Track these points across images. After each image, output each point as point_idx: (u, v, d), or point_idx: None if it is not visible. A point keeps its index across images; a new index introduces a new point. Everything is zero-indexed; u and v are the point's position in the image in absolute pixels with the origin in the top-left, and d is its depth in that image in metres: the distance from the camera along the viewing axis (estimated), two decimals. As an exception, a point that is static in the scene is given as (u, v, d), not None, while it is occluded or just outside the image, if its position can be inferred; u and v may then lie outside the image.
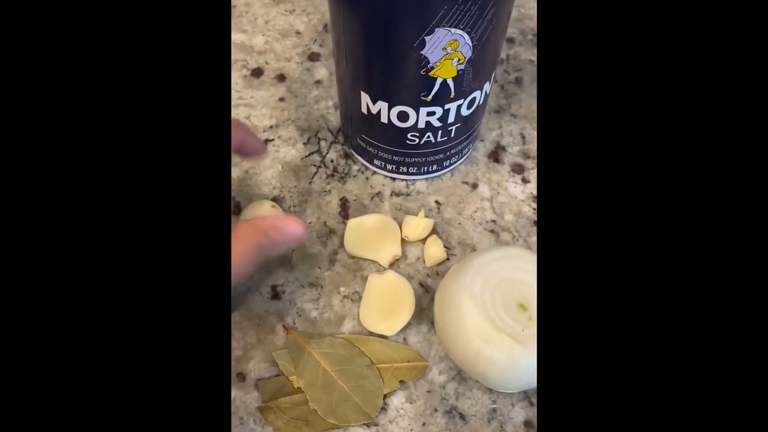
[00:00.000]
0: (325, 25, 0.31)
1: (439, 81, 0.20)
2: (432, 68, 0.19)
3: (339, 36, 0.20)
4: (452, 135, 0.23)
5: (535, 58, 0.30)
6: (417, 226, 0.24)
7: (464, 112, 0.22)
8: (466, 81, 0.20)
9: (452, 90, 0.20)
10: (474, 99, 0.22)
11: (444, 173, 0.26)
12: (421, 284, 0.23)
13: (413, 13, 0.17)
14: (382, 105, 0.21)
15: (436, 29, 0.17)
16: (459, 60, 0.19)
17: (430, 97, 0.20)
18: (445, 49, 0.18)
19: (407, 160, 0.24)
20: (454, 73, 0.19)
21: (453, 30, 0.18)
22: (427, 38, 0.18)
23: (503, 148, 0.27)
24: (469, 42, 0.18)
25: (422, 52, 0.18)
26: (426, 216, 0.25)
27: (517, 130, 0.28)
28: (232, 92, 0.29)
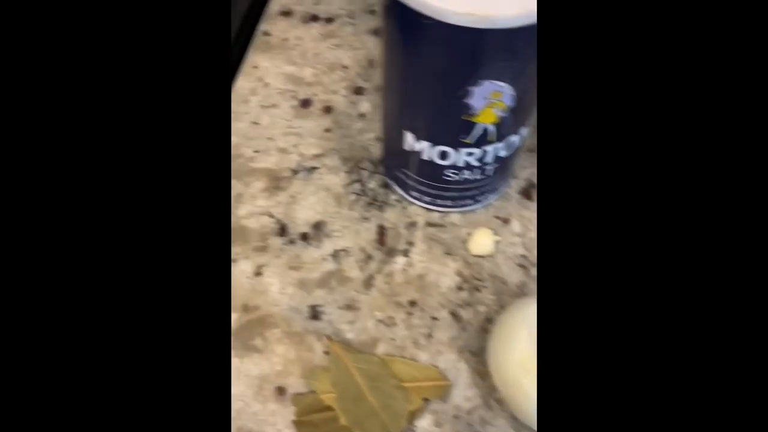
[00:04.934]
0: (371, 61, 0.33)
1: (480, 126, 0.21)
2: (474, 114, 0.21)
3: (389, 78, 0.22)
4: (489, 174, 0.25)
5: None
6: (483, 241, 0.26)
7: (502, 153, 0.23)
8: (506, 126, 0.22)
9: (492, 134, 0.22)
10: (513, 142, 0.23)
11: (478, 207, 0.27)
12: (451, 313, 0.25)
13: (463, 67, 0.19)
14: (424, 144, 0.23)
15: (482, 81, 0.19)
16: (501, 108, 0.20)
17: (470, 140, 0.22)
18: (488, 99, 0.20)
19: (443, 194, 0.26)
20: (495, 120, 0.21)
21: (497, 82, 0.19)
22: (473, 89, 0.19)
23: (534, 186, 0.28)
24: (512, 93, 0.20)
25: (466, 101, 0.20)
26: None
27: (550, 169, 0.29)
28: (282, 121, 0.31)
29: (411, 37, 0.19)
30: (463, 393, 0.23)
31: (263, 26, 0.35)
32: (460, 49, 0.18)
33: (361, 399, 0.22)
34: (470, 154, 0.23)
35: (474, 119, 0.21)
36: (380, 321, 0.24)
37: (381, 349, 0.24)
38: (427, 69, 0.19)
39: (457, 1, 0.17)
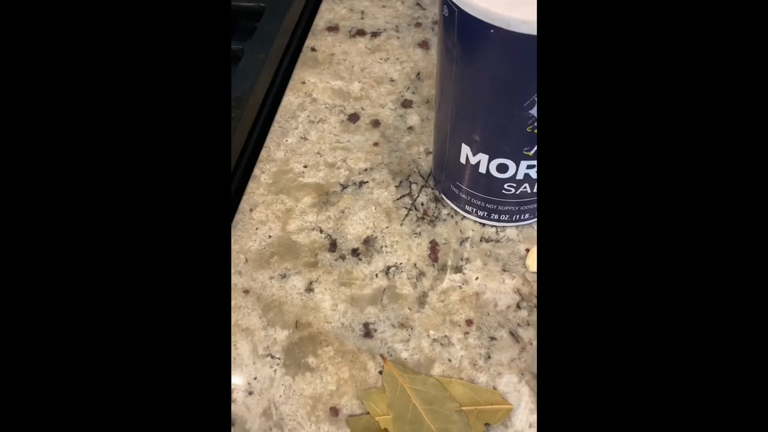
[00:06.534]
0: (418, 74, 0.33)
1: (543, 137, 0.20)
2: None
3: (445, 90, 0.22)
4: (548, 186, 0.24)
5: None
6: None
7: (563, 165, 0.22)
8: (570, 137, 0.21)
9: (555, 146, 0.21)
10: (573, 153, 0.22)
11: (535, 221, 0.26)
12: (511, 333, 0.23)
13: (531, 77, 0.18)
14: (482, 157, 0.22)
15: (548, 91, 0.18)
16: (566, 119, 0.20)
17: (532, 152, 0.21)
18: (554, 109, 0.19)
19: (500, 208, 0.25)
20: (560, 131, 0.20)
21: (564, 92, 0.18)
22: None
23: (595, 199, 0.27)
24: (578, 102, 0.19)
25: (531, 111, 0.19)
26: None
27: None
28: (331, 136, 0.30)
29: (473, 48, 0.18)
30: (526, 417, 0.21)
31: (310, 42, 0.35)
32: (527, 59, 0.17)
33: (419, 423, 0.21)
34: (531, 166, 0.22)
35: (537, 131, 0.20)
36: (435, 340, 0.23)
37: (437, 369, 0.23)
38: (491, 80, 0.19)
39: (524, 9, 0.16)
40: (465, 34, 0.18)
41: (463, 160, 0.23)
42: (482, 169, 0.23)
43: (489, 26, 0.17)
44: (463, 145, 0.23)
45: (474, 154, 0.22)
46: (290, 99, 0.32)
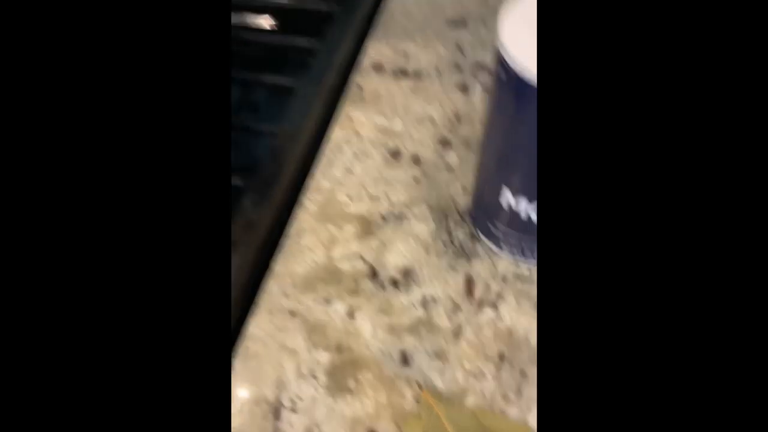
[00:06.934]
0: (457, 115, 0.35)
1: (583, 187, 0.22)
2: (579, 177, 0.21)
3: (492, 136, 0.23)
4: (583, 231, 0.25)
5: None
6: None
7: (598, 213, 0.24)
8: (608, 189, 0.22)
9: (593, 195, 0.22)
10: (609, 202, 0.24)
11: (566, 263, 0.28)
12: (542, 369, 0.25)
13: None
14: (521, 198, 0.24)
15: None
16: (605, 172, 0.21)
17: (571, 200, 0.23)
18: (595, 163, 0.21)
19: (535, 248, 0.26)
20: (599, 182, 0.22)
21: (606, 149, 0.20)
22: (581, 154, 0.20)
23: (626, 245, 0.28)
24: (618, 158, 0.20)
25: (573, 164, 0.21)
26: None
27: (640, 228, 0.29)
28: (374, 170, 0.32)
29: (519, 102, 0.20)
30: (555, 454, 0.22)
31: (357, 80, 0.37)
32: (574, 118, 0.19)
33: (453, 451, 0.22)
34: (569, 213, 0.23)
35: (578, 181, 0.21)
36: (469, 372, 0.25)
37: (470, 400, 0.24)
38: (530, 129, 0.21)
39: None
40: (512, 89, 0.20)
41: (503, 202, 0.25)
42: (521, 211, 0.24)
43: (532, 86, 0.19)
44: (503, 186, 0.24)
45: (513, 196, 0.24)
46: (337, 134, 0.34)
